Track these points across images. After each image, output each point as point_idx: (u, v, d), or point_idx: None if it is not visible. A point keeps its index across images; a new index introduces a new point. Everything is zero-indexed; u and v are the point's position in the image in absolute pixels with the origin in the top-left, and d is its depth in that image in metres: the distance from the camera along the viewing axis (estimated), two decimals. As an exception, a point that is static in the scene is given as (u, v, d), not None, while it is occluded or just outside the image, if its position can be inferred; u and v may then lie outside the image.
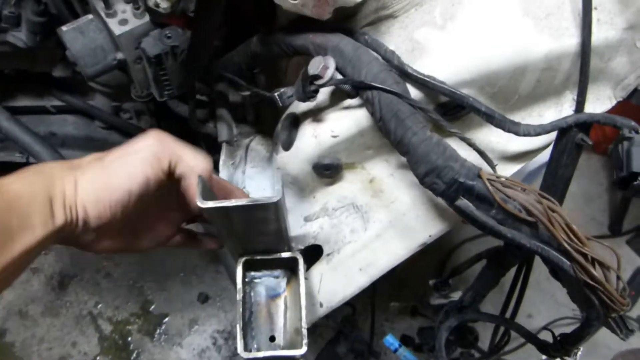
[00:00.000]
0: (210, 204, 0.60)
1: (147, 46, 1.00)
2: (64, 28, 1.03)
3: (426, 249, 0.78)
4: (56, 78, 1.29)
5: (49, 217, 0.53)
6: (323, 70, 0.64)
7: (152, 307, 1.87)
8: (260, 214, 0.64)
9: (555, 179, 0.67)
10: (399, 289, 1.79)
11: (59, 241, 0.57)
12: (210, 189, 0.68)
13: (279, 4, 0.64)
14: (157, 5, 0.57)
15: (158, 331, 1.83)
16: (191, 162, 0.61)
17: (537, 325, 1.85)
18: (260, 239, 0.72)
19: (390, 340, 1.04)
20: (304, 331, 0.71)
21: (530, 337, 0.80)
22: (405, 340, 1.30)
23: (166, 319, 1.85)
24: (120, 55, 1.05)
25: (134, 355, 1.79)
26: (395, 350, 1.04)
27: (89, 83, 1.27)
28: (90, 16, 1.05)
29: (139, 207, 0.60)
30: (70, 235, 0.57)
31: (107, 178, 0.57)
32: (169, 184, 0.62)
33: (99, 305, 1.86)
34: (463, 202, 0.61)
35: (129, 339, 1.81)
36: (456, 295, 1.06)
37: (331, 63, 0.64)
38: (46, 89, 1.34)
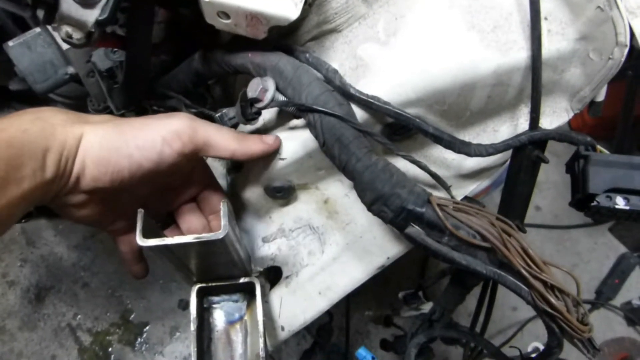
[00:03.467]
0: (151, 242, 0.56)
1: (98, 60, 0.95)
2: (10, 43, 0.98)
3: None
4: (14, 91, 1.24)
5: (38, 170, 0.48)
6: (262, 93, 0.60)
7: (132, 316, 1.83)
8: (207, 249, 0.60)
9: (513, 197, 0.64)
10: (384, 286, 1.76)
11: (44, 199, 0.52)
12: (152, 224, 0.65)
13: (211, 23, 0.59)
14: (70, 36, 0.52)
15: (139, 340, 1.80)
16: (222, 148, 0.60)
17: (523, 318, 1.84)
18: (213, 268, 0.69)
19: (363, 353, 1.01)
20: (262, 360, 0.68)
21: (498, 356, 0.77)
22: (385, 346, 1.28)
23: (147, 328, 1.82)
24: (71, 70, 1.01)
25: (115, 365, 1.76)
26: (369, 363, 1.01)
27: (48, 95, 1.22)
28: (38, 29, 1.01)
29: (138, 181, 0.57)
30: (56, 193, 0.53)
31: (120, 142, 0.54)
32: (180, 169, 0.61)
33: (78, 317, 1.82)
34: (414, 230, 0.58)
35: (110, 349, 1.78)
36: (427, 307, 1.03)
37: (270, 85, 0.60)
38: (6, 102, 1.30)
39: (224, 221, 0.57)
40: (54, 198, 0.54)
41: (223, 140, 0.60)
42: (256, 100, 0.61)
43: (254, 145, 0.62)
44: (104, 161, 0.53)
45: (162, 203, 0.68)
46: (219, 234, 0.56)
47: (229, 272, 0.70)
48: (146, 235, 0.56)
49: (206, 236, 0.56)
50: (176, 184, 0.67)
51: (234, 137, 0.61)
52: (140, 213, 0.57)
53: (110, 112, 1.07)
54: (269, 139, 0.64)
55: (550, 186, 2.10)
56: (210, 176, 0.72)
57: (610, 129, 1.66)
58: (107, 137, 0.54)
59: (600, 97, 0.59)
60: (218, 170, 0.94)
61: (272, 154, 0.66)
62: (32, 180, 0.48)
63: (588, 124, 2.02)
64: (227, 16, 0.56)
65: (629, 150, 1.65)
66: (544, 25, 0.55)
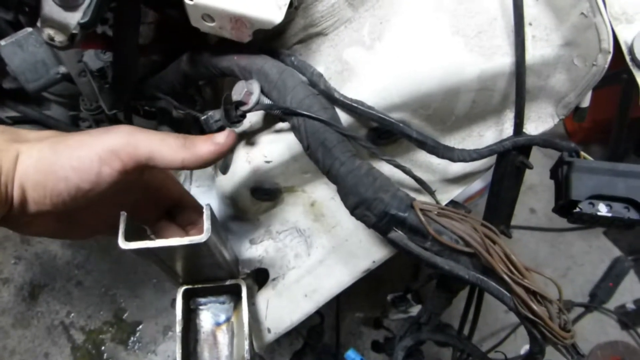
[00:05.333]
0: (134, 245, 0.56)
1: (89, 60, 0.95)
2: (1, 42, 0.98)
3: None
4: (7, 89, 1.24)
5: None
6: (246, 96, 0.60)
7: (125, 314, 1.83)
8: (190, 252, 0.60)
9: (499, 202, 0.64)
10: (376, 288, 1.76)
11: None
12: (136, 227, 0.64)
13: (196, 26, 0.59)
14: (52, 39, 0.52)
15: (132, 339, 1.80)
16: (169, 160, 0.55)
17: (516, 320, 1.82)
18: (198, 270, 0.69)
19: (352, 355, 1.01)
20: (248, 364, 0.68)
21: (484, 360, 0.78)
22: (376, 347, 1.28)
23: (140, 327, 1.82)
24: (63, 69, 1.01)
25: (108, 364, 1.77)
26: (358, 365, 1.01)
27: (42, 93, 1.22)
28: (29, 29, 1.01)
29: (84, 201, 0.53)
30: (3, 217, 0.50)
31: (54, 165, 0.50)
32: (130, 182, 0.56)
33: (71, 315, 1.82)
34: (396, 235, 0.58)
35: (103, 348, 1.78)
36: (415, 310, 1.03)
37: (255, 88, 0.60)
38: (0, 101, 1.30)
39: (206, 224, 0.56)
40: (4, 222, 0.51)
41: (169, 151, 0.55)
42: (241, 103, 0.60)
43: (203, 148, 0.57)
44: (41, 186, 0.50)
45: (135, 217, 0.66)
46: (202, 237, 0.56)
47: (215, 274, 0.70)
48: (130, 238, 0.56)
49: (189, 239, 0.56)
50: (142, 199, 0.64)
51: (180, 144, 0.55)
52: (123, 216, 0.56)
53: (103, 111, 1.08)
54: (219, 137, 0.58)
55: (545, 189, 2.10)
56: (179, 189, 0.70)
57: (605, 132, 1.65)
58: (42, 158, 0.50)
59: (585, 103, 0.59)
60: (206, 171, 0.94)
61: (257, 158, 0.66)
62: None
63: (583, 127, 2.02)
64: (212, 19, 0.56)
65: (624, 153, 1.65)
66: (529, 31, 0.55)
